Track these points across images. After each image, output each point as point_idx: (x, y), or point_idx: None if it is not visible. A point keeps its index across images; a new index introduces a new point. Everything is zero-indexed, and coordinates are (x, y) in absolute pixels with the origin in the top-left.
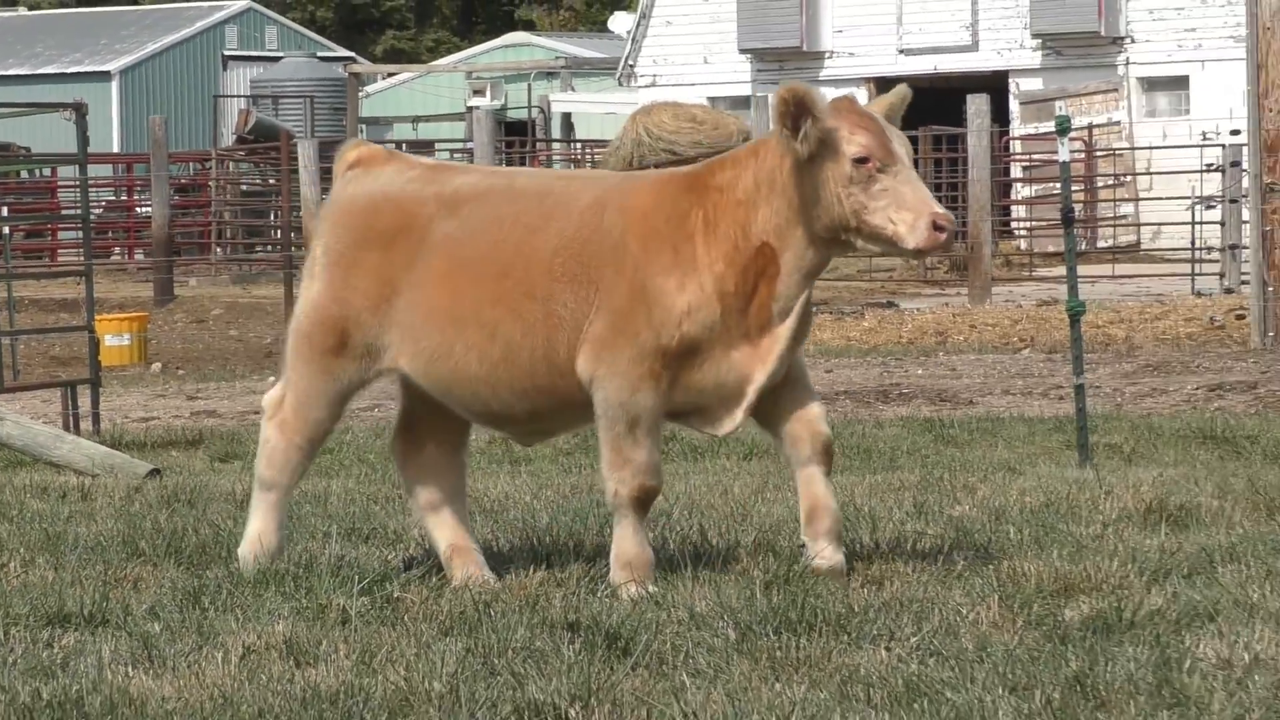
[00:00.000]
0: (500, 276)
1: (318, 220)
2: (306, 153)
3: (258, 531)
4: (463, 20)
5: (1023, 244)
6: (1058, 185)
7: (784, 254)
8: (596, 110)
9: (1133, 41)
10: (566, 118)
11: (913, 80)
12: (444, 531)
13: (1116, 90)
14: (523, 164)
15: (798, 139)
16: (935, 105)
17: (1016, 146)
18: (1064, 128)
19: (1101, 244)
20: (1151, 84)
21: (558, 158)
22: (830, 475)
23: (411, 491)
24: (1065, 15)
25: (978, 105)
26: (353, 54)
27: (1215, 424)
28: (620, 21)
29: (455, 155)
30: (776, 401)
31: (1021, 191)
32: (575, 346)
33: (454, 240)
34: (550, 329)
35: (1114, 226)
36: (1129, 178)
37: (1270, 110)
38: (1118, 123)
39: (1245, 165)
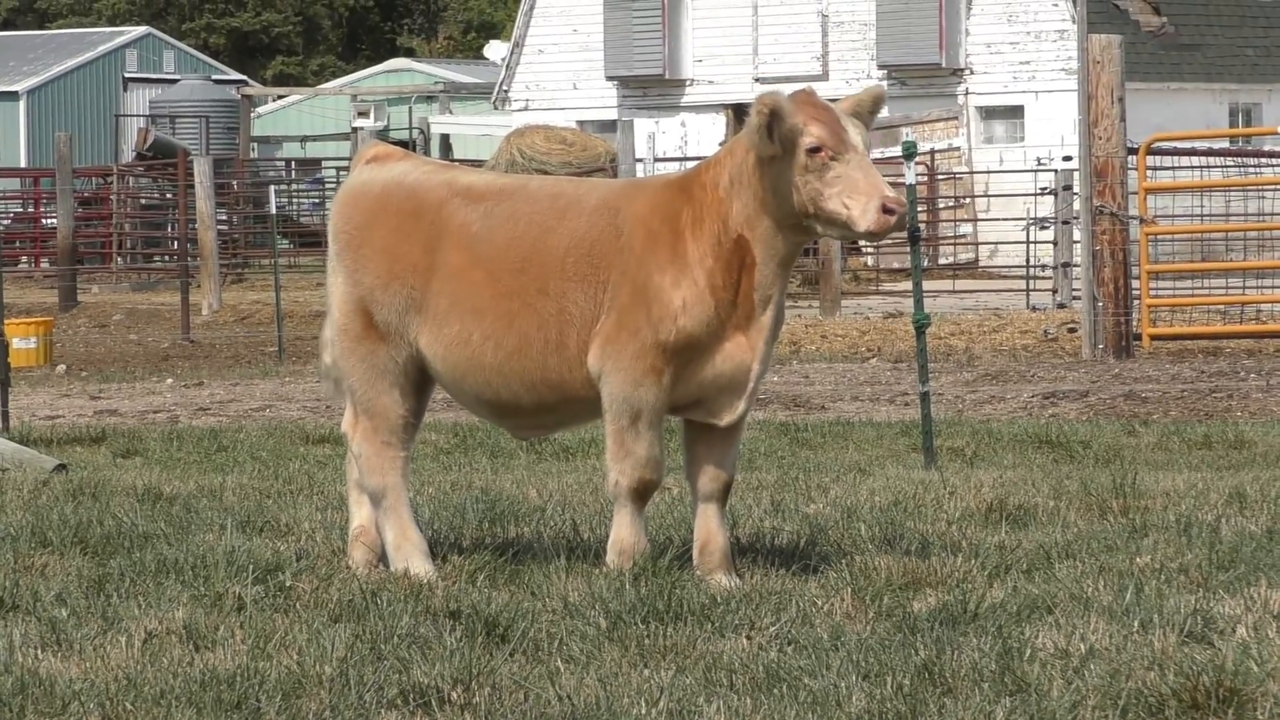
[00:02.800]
0: (518, 272)
1: (330, 212)
2: (202, 169)
3: (396, 540)
4: (347, 47)
5: (870, 260)
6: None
7: (756, 244)
8: (473, 132)
9: (971, 73)
10: (445, 139)
11: None
12: (361, 512)
13: (956, 118)
14: None
15: (773, 143)
16: None
17: None
18: (909, 152)
19: (943, 261)
20: (989, 113)
21: None
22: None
23: (349, 472)
24: (909, 48)
25: None
26: (245, 77)
27: (1050, 429)
28: (495, 49)
29: (341, 173)
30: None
31: None
32: (585, 342)
33: (474, 234)
34: (562, 324)
35: (954, 245)
36: (968, 200)
37: (1100, 138)
38: (958, 148)
39: (1076, 189)
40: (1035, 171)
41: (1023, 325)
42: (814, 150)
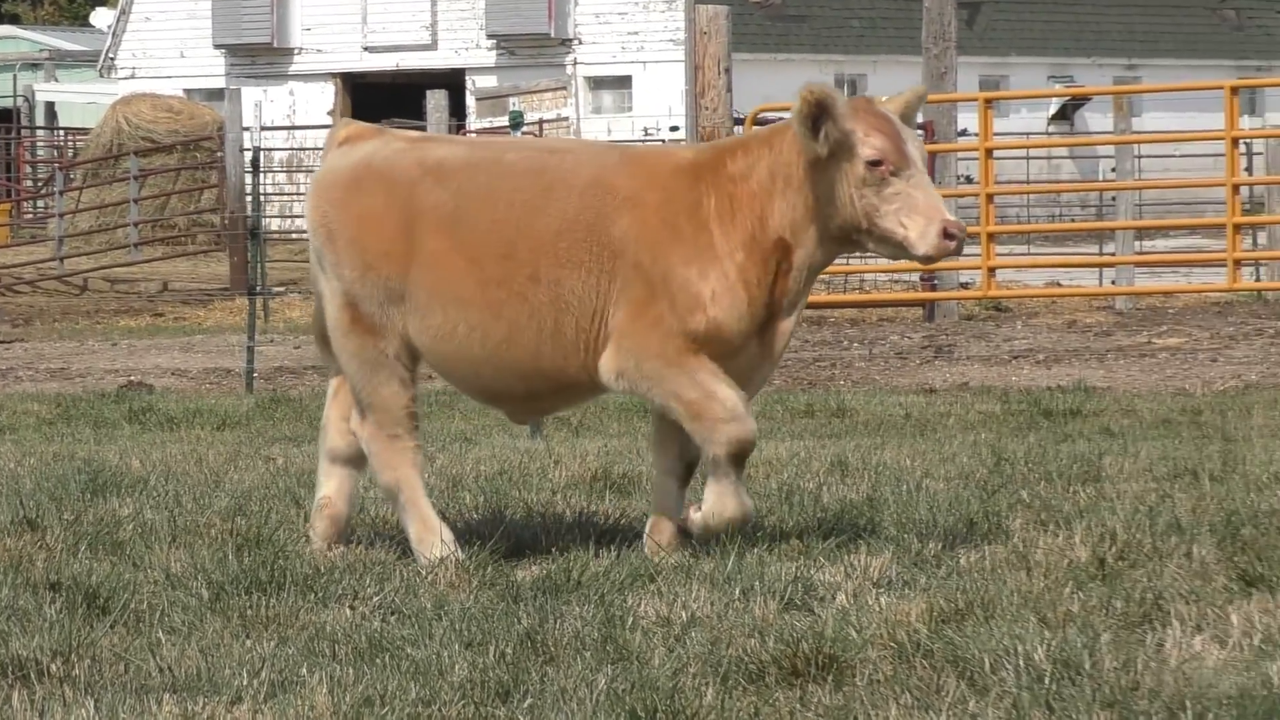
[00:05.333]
0: (504, 258)
1: (306, 204)
2: None
3: (419, 533)
4: None
5: None
6: None
7: (796, 250)
8: (79, 100)
9: (580, 43)
10: (50, 106)
11: (377, 76)
12: (329, 484)
13: (565, 88)
14: (7, 150)
15: (817, 140)
16: (398, 100)
17: None
18: (517, 122)
19: None
20: (597, 83)
21: (41, 145)
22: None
23: (321, 440)
24: (517, 18)
25: (436, 100)
26: None
27: None
28: (102, 17)
29: None
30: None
31: None
32: (583, 329)
33: (449, 216)
34: (558, 312)
35: None
36: None
37: (706, 109)
38: (566, 119)
39: None
40: (643, 142)
41: None
42: (874, 164)
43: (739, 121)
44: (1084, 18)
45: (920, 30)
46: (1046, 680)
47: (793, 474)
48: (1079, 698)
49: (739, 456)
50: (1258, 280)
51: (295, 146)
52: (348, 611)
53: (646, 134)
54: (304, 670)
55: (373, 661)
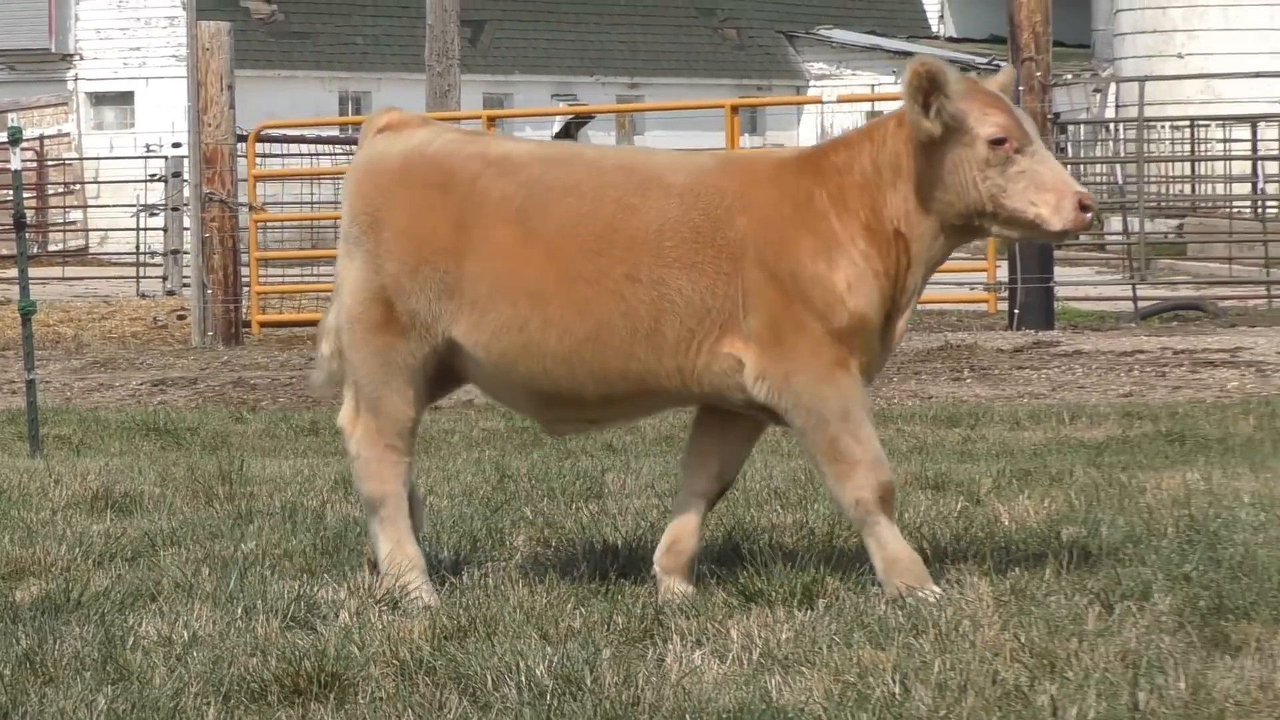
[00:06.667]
0: (594, 253)
1: (344, 191)
2: None
3: (391, 553)
4: None
5: None
6: (10, 192)
7: (913, 243)
8: None
9: (81, 59)
10: None
11: None
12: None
13: (67, 104)
14: None
15: (928, 117)
16: None
17: None
18: (16, 138)
19: (52, 248)
20: (99, 99)
21: None
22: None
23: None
24: (16, 33)
25: None
26: None
27: (158, 416)
28: None
29: None
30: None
31: None
32: (689, 330)
33: (520, 208)
34: (658, 312)
35: (64, 231)
36: (78, 186)
37: (209, 125)
38: (68, 134)
39: (186, 175)
40: (146, 158)
41: (133, 312)
42: (998, 142)
43: (242, 138)
44: (587, 36)
45: (424, 48)
46: (548, 696)
47: (296, 492)
48: (580, 713)
49: (887, 501)
50: None
51: None
52: None
53: (149, 150)
54: None
55: None
